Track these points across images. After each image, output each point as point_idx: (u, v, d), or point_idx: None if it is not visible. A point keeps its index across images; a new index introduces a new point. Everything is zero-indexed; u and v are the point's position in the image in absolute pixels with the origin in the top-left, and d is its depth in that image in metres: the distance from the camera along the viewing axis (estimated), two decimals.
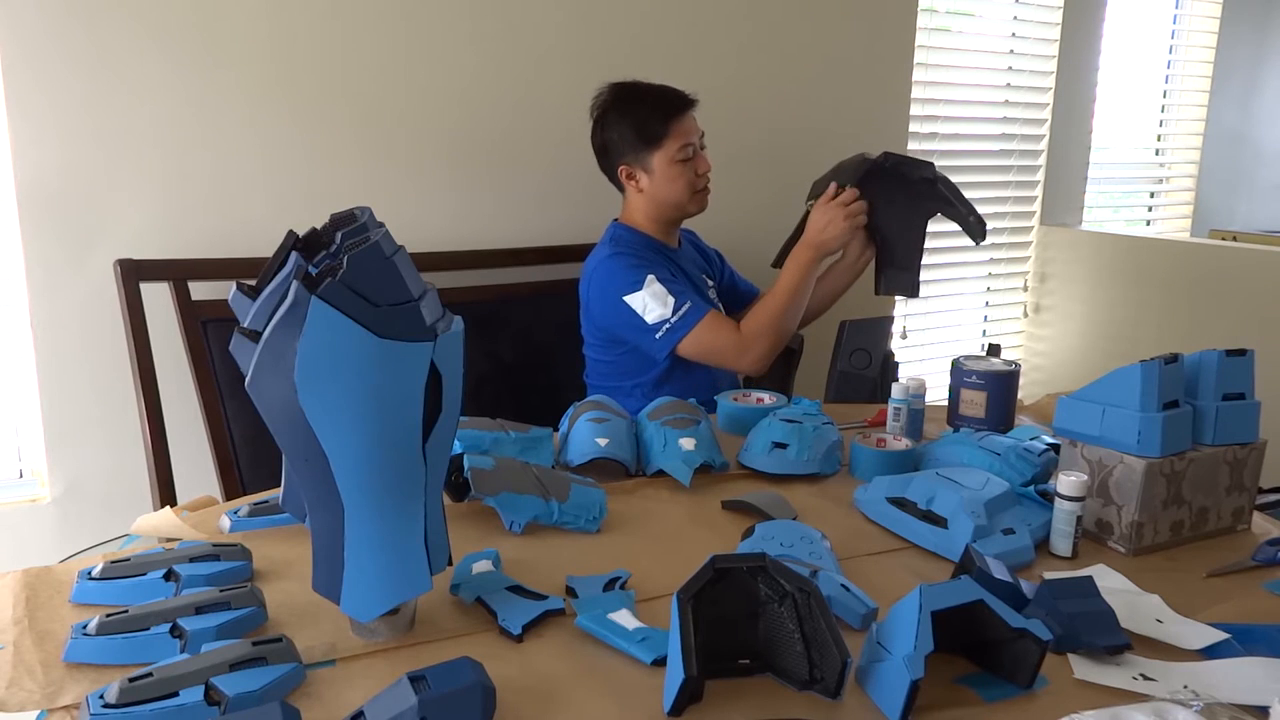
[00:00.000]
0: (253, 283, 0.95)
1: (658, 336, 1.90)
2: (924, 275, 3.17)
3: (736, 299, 2.21)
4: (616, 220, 2.06)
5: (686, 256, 2.11)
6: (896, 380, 1.68)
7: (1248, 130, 3.76)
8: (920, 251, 2.15)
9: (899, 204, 2.12)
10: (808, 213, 2.06)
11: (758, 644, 0.96)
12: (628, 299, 1.91)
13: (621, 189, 2.04)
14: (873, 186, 2.12)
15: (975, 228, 2.06)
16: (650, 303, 1.89)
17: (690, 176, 1.99)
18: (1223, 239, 3.30)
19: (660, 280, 1.90)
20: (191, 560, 1.09)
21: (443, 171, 2.21)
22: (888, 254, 2.15)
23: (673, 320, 1.89)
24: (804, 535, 1.20)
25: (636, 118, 1.96)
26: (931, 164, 2.11)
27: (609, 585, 1.10)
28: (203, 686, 0.85)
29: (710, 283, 2.15)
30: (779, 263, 2.13)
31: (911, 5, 2.82)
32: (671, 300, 1.89)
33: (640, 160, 1.98)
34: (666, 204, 2.01)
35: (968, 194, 3.18)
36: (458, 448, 1.36)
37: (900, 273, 2.16)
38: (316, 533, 0.97)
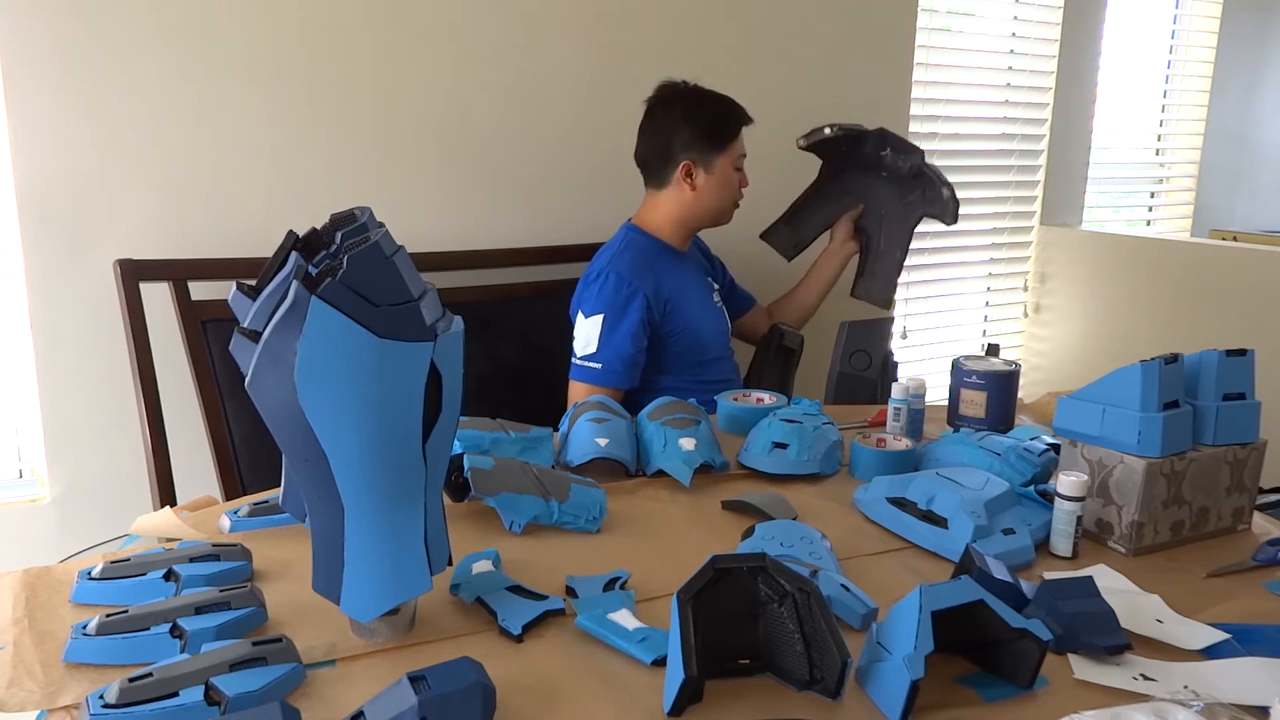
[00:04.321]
0: (253, 283, 0.95)
1: (571, 359, 1.97)
2: (925, 275, 3.21)
3: (734, 307, 2.26)
4: (631, 222, 2.06)
5: (693, 260, 2.12)
6: (896, 381, 1.68)
7: (1248, 130, 3.76)
8: (900, 267, 2.26)
9: (891, 215, 2.18)
10: (806, 192, 2.22)
11: (758, 644, 0.96)
12: (579, 316, 1.96)
13: (661, 185, 2.03)
14: (869, 184, 2.18)
15: (950, 206, 2.13)
16: (582, 334, 1.94)
17: (736, 186, 2.04)
18: (1223, 239, 3.29)
19: (606, 327, 1.91)
20: (191, 560, 1.09)
21: (443, 171, 2.21)
22: (870, 260, 2.24)
23: (578, 360, 1.94)
24: (804, 535, 1.20)
25: (712, 117, 1.99)
26: (921, 151, 2.14)
27: (609, 585, 1.10)
28: (203, 686, 0.85)
29: (715, 285, 2.17)
30: (766, 235, 2.29)
31: (911, 5, 2.82)
32: (593, 349, 1.92)
33: (705, 159, 1.99)
34: (710, 208, 2.04)
35: (967, 193, 3.21)
36: (458, 448, 1.36)
37: (876, 282, 2.26)
38: (316, 533, 0.97)
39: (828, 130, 2.16)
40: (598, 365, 1.92)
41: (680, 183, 2.01)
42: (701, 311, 2.05)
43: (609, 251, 2.01)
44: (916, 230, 2.25)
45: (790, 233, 2.33)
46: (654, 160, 2.04)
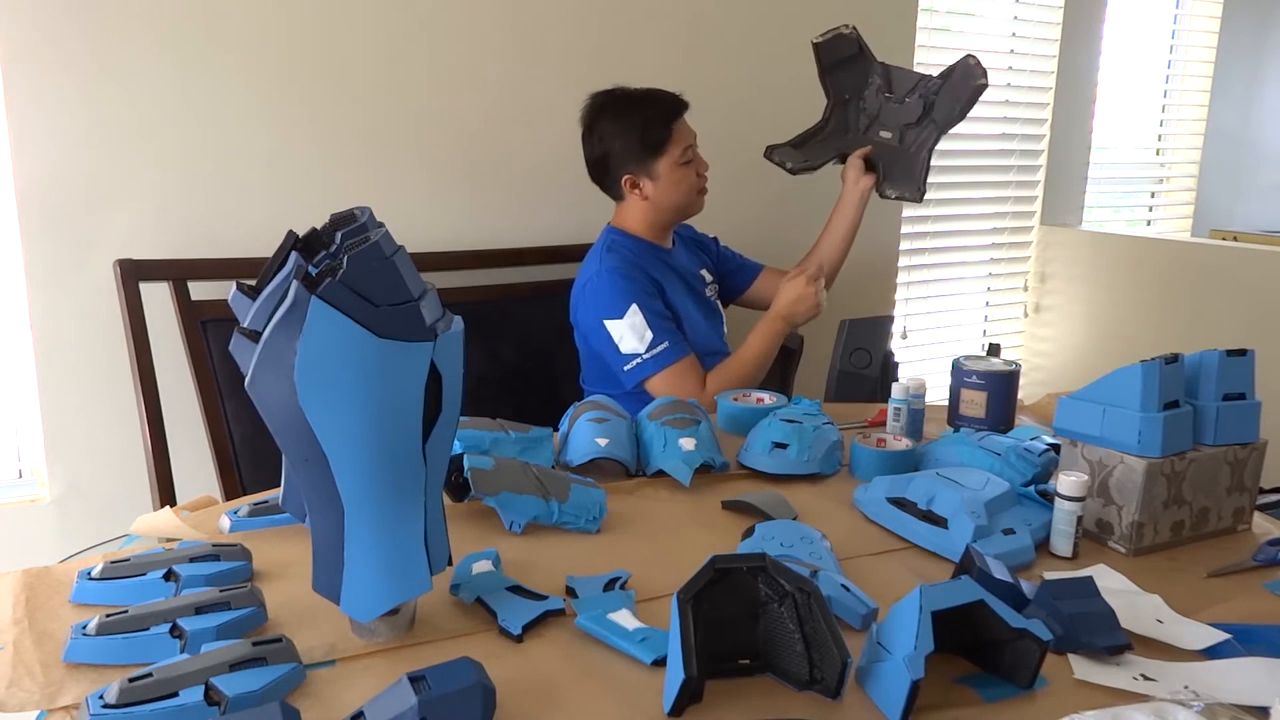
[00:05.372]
0: (253, 283, 0.95)
1: (626, 368, 1.91)
2: (925, 275, 3.20)
3: (741, 279, 2.23)
4: (610, 225, 2.06)
5: (680, 255, 2.11)
6: (896, 380, 1.68)
7: (1248, 130, 3.76)
8: (927, 167, 2.15)
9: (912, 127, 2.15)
10: (825, 119, 2.20)
11: (758, 644, 0.96)
12: (608, 323, 1.92)
13: (618, 198, 2.04)
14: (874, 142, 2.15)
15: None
16: (627, 334, 1.90)
17: (692, 178, 2.00)
18: (1223, 239, 3.29)
19: (644, 311, 1.90)
20: (191, 560, 1.09)
21: (443, 171, 2.22)
22: (889, 168, 2.17)
23: (644, 357, 1.90)
24: (804, 535, 1.20)
25: (637, 125, 1.95)
26: (928, 78, 2.11)
27: (609, 585, 1.10)
28: (203, 686, 0.85)
29: (709, 278, 2.16)
30: (770, 153, 2.21)
31: (911, 5, 2.82)
32: (649, 336, 1.89)
33: (644, 168, 1.97)
34: (670, 208, 2.01)
35: (967, 193, 3.20)
36: (458, 448, 1.36)
37: (900, 180, 2.16)
38: (316, 533, 0.97)
39: (844, 29, 2.17)
40: (664, 345, 1.89)
41: (629, 195, 2.00)
42: (694, 305, 2.05)
43: (596, 255, 2.00)
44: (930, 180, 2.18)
45: (795, 152, 2.24)
46: (600, 178, 2.04)
